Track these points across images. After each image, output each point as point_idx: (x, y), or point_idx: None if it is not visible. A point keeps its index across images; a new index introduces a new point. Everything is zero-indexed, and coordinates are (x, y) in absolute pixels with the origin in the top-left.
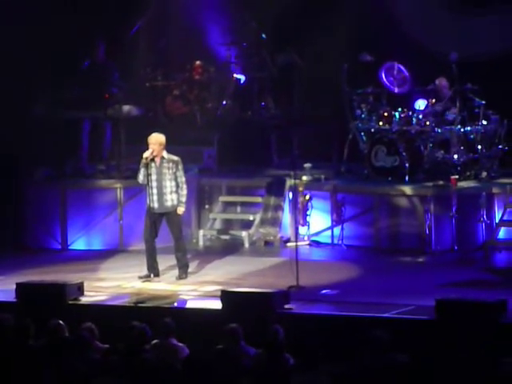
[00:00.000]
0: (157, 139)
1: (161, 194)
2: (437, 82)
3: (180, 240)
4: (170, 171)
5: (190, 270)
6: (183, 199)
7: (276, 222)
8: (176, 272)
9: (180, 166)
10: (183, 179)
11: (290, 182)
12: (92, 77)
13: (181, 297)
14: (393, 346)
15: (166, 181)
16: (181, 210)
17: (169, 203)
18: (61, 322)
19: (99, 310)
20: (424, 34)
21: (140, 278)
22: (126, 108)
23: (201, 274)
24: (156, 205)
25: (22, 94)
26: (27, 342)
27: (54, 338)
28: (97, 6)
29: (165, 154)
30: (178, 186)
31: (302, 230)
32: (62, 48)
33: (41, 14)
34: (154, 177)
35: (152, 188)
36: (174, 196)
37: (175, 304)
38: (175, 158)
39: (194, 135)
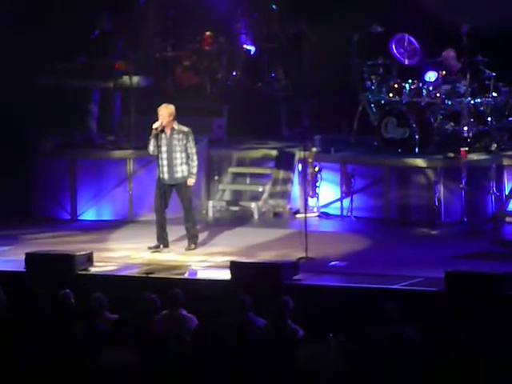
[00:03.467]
0: (166, 110)
1: (171, 166)
2: (444, 53)
3: (190, 211)
4: (181, 142)
5: (199, 240)
6: (194, 170)
7: (285, 195)
8: (185, 243)
9: (190, 137)
10: (194, 150)
11: (299, 154)
12: (99, 46)
13: (190, 267)
14: (402, 317)
15: (176, 152)
16: (191, 181)
17: (179, 174)
18: (68, 291)
19: (108, 281)
20: (435, 5)
21: (149, 248)
22: (135, 78)
23: (210, 245)
24: (166, 176)
25: (30, 64)
26: (35, 312)
27: (62, 307)
28: None
29: (175, 124)
30: (188, 157)
31: (312, 202)
32: (70, 18)
33: None
34: (164, 148)
35: (162, 159)
36: (185, 167)
37: (185, 275)
38: (186, 128)
39: (203, 106)
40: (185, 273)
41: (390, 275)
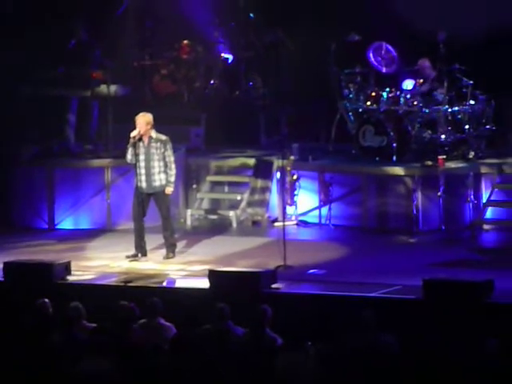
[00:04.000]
0: (144, 118)
1: (149, 174)
2: (419, 62)
3: (168, 219)
4: (159, 151)
5: (177, 249)
6: (172, 179)
7: (263, 203)
8: (164, 251)
9: (168, 146)
10: (172, 159)
11: (277, 162)
12: (76, 56)
13: (168, 276)
14: (380, 325)
15: (154, 161)
16: (169, 190)
17: (157, 183)
18: (46, 300)
19: (86, 290)
20: (412, 13)
21: (127, 257)
22: (113, 87)
23: (188, 254)
24: (144, 185)
25: (8, 74)
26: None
27: (40, 317)
28: None
29: (153, 133)
30: (166, 165)
31: (290, 210)
32: (48, 28)
33: None
34: (142, 157)
35: (140, 168)
36: (163, 176)
37: (163, 283)
38: (164, 137)
39: (181, 114)
40: (163, 281)
41: (368, 283)
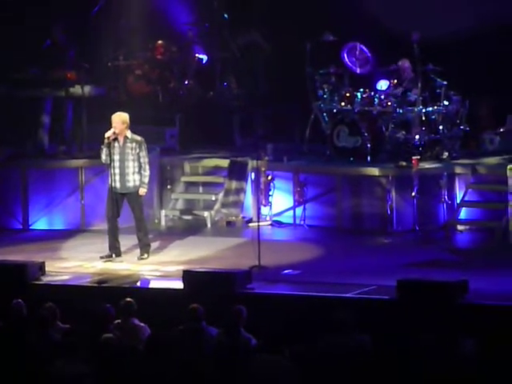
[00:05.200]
0: (120, 118)
1: (123, 174)
2: (400, 63)
3: (141, 220)
4: (134, 151)
5: (152, 250)
6: (146, 180)
7: (238, 203)
8: (138, 252)
9: (143, 146)
10: (146, 160)
11: (252, 163)
12: (51, 56)
13: (142, 277)
14: (354, 326)
15: (128, 161)
16: (143, 190)
17: (131, 184)
18: (20, 300)
19: (61, 290)
20: (385, 14)
21: (101, 257)
22: (87, 88)
23: (163, 254)
24: (118, 185)
25: None
26: None
27: (15, 317)
28: None
29: (128, 133)
30: (140, 166)
31: (264, 210)
32: (21, 28)
33: None
34: (116, 157)
35: (114, 168)
36: (137, 176)
37: (137, 284)
38: (139, 138)
39: (156, 115)
40: (137, 282)
41: (343, 283)
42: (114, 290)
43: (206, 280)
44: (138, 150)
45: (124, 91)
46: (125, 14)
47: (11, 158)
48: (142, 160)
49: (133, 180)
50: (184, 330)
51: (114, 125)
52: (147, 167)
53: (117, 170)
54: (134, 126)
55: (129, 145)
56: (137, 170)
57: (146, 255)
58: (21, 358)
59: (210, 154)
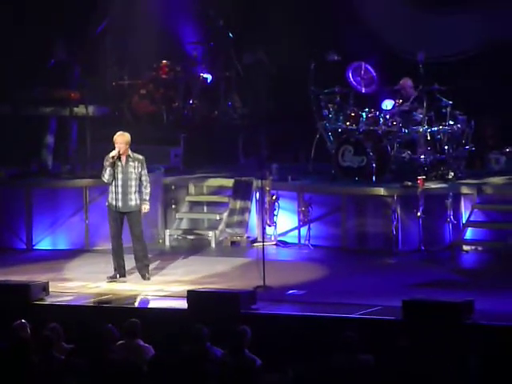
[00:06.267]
0: (124, 138)
1: (126, 193)
2: (401, 82)
3: (142, 239)
4: (136, 170)
5: (156, 270)
6: (147, 197)
7: (243, 223)
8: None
9: (145, 165)
10: (147, 177)
11: (256, 183)
12: (55, 76)
13: (147, 297)
14: (359, 346)
15: (131, 180)
16: (146, 207)
17: (133, 202)
18: (24, 321)
19: (64, 311)
20: (390, 34)
21: (108, 278)
22: (91, 107)
23: (167, 274)
24: (120, 204)
25: None
26: None
27: (18, 338)
28: (61, 4)
29: (130, 152)
30: (141, 184)
31: (269, 230)
32: (27, 47)
33: (3, 13)
34: (119, 176)
35: (117, 187)
36: (138, 195)
37: (141, 304)
38: (140, 156)
39: (160, 134)
40: (141, 302)
41: (348, 304)
42: (117, 310)
43: (211, 300)
44: (140, 169)
45: (128, 110)
46: (129, 33)
47: (15, 177)
48: (143, 178)
49: (135, 199)
50: (188, 350)
51: (118, 145)
52: (148, 185)
53: (119, 189)
54: (138, 146)
55: (131, 164)
56: (138, 188)
57: (147, 275)
58: (24, 379)
59: (215, 173)
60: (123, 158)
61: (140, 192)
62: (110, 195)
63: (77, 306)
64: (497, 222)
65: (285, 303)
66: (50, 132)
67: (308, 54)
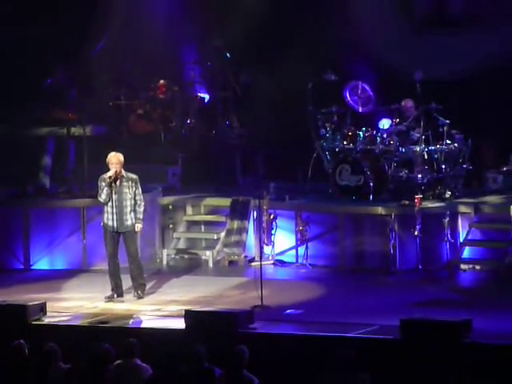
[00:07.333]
0: (119, 158)
1: (121, 213)
2: (403, 103)
3: (137, 259)
4: (131, 190)
5: (154, 289)
6: (141, 216)
7: (240, 242)
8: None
9: (139, 184)
10: (142, 197)
11: (254, 202)
12: (53, 96)
13: (144, 317)
14: (357, 365)
15: (126, 200)
16: (139, 226)
17: (129, 222)
18: (22, 341)
19: (62, 331)
20: (387, 54)
21: (105, 298)
22: (88, 127)
23: (164, 294)
24: (116, 224)
25: None
26: None
27: (16, 358)
28: (58, 24)
29: (123, 172)
30: (135, 203)
31: (267, 250)
32: (25, 68)
33: (3, 32)
34: (114, 196)
35: (113, 207)
36: (133, 215)
37: (139, 324)
38: (134, 176)
39: (158, 154)
40: (139, 322)
41: (346, 323)
42: (115, 330)
43: (208, 320)
44: (134, 189)
45: (126, 130)
46: (127, 53)
47: (13, 198)
48: (137, 197)
49: (130, 218)
50: (186, 370)
51: (112, 166)
52: (142, 204)
53: (115, 209)
54: (135, 165)
55: (125, 184)
56: (133, 208)
57: (142, 295)
58: None
59: (212, 192)
60: (117, 179)
61: (135, 210)
62: (106, 215)
63: (74, 326)
64: (494, 240)
65: (283, 323)
66: (47, 153)
67: (305, 73)
